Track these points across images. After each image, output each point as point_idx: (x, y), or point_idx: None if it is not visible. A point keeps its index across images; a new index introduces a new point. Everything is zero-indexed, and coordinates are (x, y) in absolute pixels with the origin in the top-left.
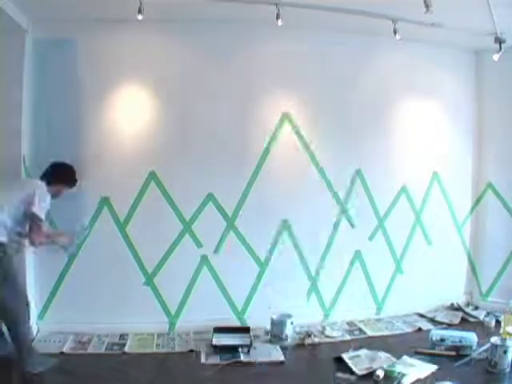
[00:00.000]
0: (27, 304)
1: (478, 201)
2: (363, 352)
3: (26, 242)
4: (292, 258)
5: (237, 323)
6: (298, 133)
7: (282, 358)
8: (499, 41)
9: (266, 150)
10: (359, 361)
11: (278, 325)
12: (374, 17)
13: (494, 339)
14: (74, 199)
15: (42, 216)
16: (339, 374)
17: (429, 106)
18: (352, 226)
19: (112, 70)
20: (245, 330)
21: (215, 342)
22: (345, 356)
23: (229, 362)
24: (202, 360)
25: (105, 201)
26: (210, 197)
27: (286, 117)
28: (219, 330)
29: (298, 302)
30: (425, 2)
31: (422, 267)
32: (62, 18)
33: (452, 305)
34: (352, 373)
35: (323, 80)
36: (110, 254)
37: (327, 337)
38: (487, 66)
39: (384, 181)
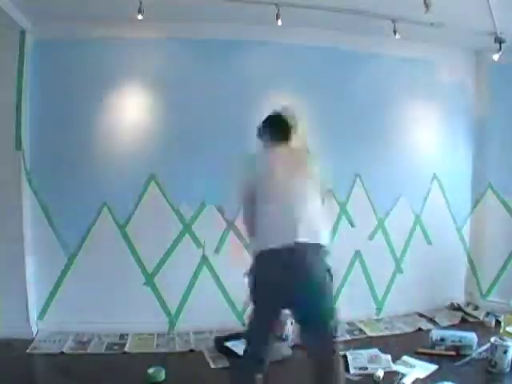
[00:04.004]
0: None
1: (477, 201)
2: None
3: None
4: None
5: (237, 323)
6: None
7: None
8: (499, 41)
9: None
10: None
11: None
12: (373, 17)
13: (494, 339)
14: (75, 200)
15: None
16: None
17: (428, 106)
18: (352, 225)
19: (112, 70)
20: None
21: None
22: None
23: None
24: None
25: (105, 201)
26: (210, 197)
27: None
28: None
29: None
30: (425, 1)
31: (421, 267)
32: (62, 18)
33: (452, 305)
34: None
35: (322, 81)
36: (110, 254)
37: None
38: (487, 66)
39: (384, 181)
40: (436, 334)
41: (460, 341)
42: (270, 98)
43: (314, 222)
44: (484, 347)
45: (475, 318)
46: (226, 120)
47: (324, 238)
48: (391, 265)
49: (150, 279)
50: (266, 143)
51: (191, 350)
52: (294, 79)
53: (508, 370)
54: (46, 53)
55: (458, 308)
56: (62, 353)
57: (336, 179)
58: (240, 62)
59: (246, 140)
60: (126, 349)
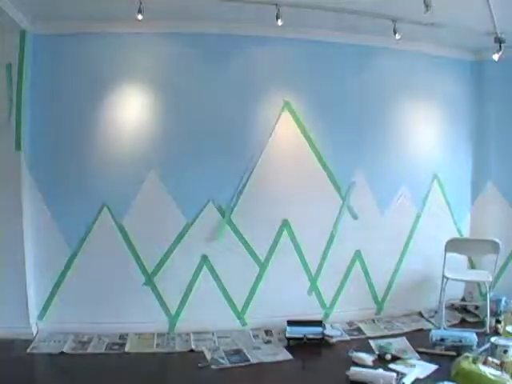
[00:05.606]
0: None
1: (477, 201)
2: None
3: None
4: (292, 257)
5: (237, 323)
6: (298, 133)
7: (289, 357)
8: (499, 41)
9: (266, 150)
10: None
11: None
12: (373, 17)
13: (494, 339)
14: (75, 200)
15: None
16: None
17: (428, 105)
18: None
19: (112, 70)
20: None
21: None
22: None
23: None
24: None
25: (105, 201)
26: (210, 196)
27: (286, 117)
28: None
29: (297, 302)
30: (425, 1)
31: (421, 267)
32: (62, 18)
33: (452, 305)
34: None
35: (323, 81)
36: (110, 254)
37: (327, 336)
38: (487, 66)
39: (384, 181)
40: (436, 334)
41: (460, 341)
42: (271, 96)
43: None
44: (484, 347)
45: (475, 317)
46: (226, 119)
47: None
48: (391, 265)
49: (149, 279)
50: None
51: (191, 350)
52: (294, 78)
53: None
54: (46, 53)
55: (458, 308)
56: (62, 353)
57: (337, 179)
58: (241, 60)
59: (246, 139)
60: (126, 349)
